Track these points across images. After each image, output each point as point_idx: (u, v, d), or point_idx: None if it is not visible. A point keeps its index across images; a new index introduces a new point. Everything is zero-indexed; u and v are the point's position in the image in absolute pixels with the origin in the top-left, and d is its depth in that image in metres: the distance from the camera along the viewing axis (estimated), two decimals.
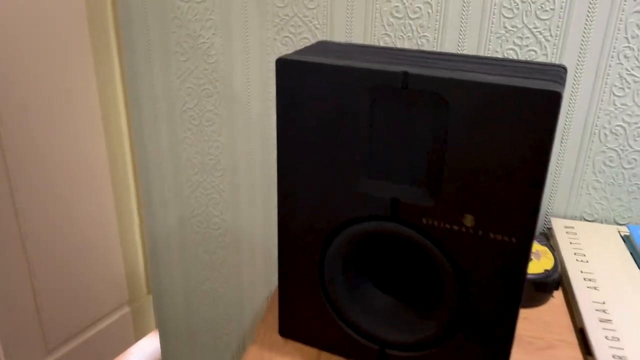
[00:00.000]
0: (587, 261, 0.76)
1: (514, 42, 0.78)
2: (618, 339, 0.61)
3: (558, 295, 0.73)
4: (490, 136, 0.46)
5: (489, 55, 0.81)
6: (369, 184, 0.52)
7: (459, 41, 0.79)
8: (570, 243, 0.80)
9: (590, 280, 0.72)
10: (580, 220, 0.87)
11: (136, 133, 0.99)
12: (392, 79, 0.48)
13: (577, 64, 0.78)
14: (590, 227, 0.83)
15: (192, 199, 1.00)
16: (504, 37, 0.78)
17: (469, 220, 0.49)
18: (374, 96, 0.49)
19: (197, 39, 0.89)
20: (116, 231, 1.07)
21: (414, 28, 0.80)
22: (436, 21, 0.79)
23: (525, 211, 0.47)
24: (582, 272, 0.74)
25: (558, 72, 0.49)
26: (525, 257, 0.49)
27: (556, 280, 0.69)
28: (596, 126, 0.81)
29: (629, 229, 0.81)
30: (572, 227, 0.83)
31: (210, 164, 0.97)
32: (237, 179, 0.97)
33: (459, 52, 0.57)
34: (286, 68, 0.51)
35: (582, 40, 0.77)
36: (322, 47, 0.57)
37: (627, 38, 0.76)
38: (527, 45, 0.78)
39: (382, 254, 0.58)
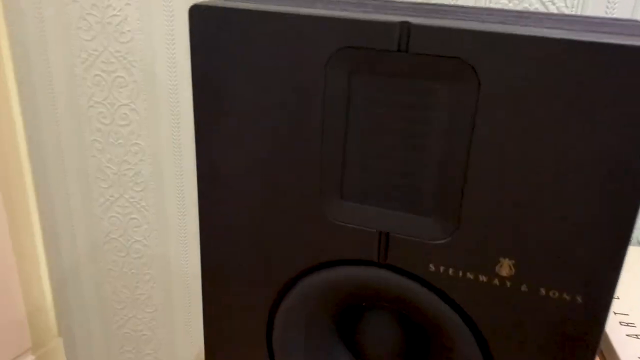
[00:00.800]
0: (618, 297, 0.59)
1: None
2: None
3: None
4: (548, 129, 0.27)
5: None
6: (343, 210, 0.33)
7: None
8: None
9: (628, 325, 0.54)
10: None
11: (31, 135, 0.76)
12: (382, 36, 0.28)
13: None
14: None
15: (105, 219, 0.79)
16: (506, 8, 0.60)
17: (505, 268, 0.30)
18: (352, 66, 0.30)
19: (106, 10, 0.68)
20: (12, 259, 0.85)
21: None
22: None
23: (600, 252, 0.28)
24: (615, 313, 0.56)
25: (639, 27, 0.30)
26: (598, 327, 0.30)
27: None
28: None
29: None
30: None
31: (128, 175, 0.75)
32: (164, 194, 0.75)
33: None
34: (206, 21, 0.31)
35: (606, 13, 0.60)
36: None
37: None
38: None
39: (366, 312, 0.39)
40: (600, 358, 0.54)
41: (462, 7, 0.35)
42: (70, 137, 0.75)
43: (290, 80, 0.31)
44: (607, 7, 0.61)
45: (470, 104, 0.28)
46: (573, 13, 0.59)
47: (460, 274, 0.32)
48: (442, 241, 0.31)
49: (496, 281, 0.31)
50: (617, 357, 0.51)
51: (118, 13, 0.67)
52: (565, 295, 0.30)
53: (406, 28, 0.28)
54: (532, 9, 0.61)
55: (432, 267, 0.32)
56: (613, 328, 0.55)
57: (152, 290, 0.83)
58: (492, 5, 0.62)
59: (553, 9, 0.60)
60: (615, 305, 0.58)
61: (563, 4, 0.60)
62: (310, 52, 0.30)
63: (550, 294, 0.30)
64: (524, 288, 0.31)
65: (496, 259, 0.30)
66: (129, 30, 0.68)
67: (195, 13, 0.31)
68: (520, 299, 0.31)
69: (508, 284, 0.31)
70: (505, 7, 0.62)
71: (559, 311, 0.30)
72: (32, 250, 0.89)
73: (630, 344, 0.52)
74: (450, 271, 0.32)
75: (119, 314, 0.86)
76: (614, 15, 0.60)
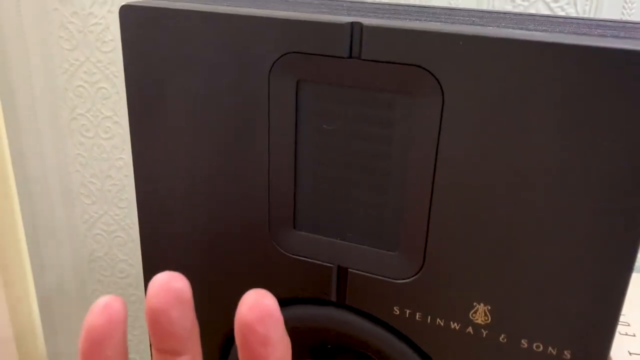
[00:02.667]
0: (634, 335, 0.53)
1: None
2: None
3: None
4: (529, 151, 0.22)
5: None
6: (294, 241, 0.28)
7: None
8: None
9: None
10: None
11: (13, 148, 0.74)
12: (331, 40, 0.24)
13: None
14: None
15: (89, 237, 0.75)
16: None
17: (480, 315, 0.26)
18: (300, 75, 0.25)
19: (87, 18, 0.65)
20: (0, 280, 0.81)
21: None
22: None
23: (593, 300, 0.24)
24: (630, 353, 0.50)
25: None
26: None
27: None
28: None
29: None
30: None
31: (112, 190, 0.72)
32: None
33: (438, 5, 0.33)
34: (138, 22, 0.27)
35: (623, 15, 0.54)
36: None
37: None
38: None
39: (334, 355, 0.34)
40: None
41: (435, 8, 0.31)
42: (52, 152, 0.72)
43: (233, 91, 0.27)
44: (624, 9, 0.55)
45: (433, 121, 0.23)
46: (568, 15, 0.54)
47: (429, 319, 0.27)
48: (407, 280, 0.27)
49: (470, 329, 0.26)
50: None
51: (100, 21, 0.64)
52: (550, 350, 0.25)
53: (358, 30, 0.24)
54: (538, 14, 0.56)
55: (396, 310, 0.27)
56: None
57: (139, 312, 0.79)
58: (489, 8, 0.58)
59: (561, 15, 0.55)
60: (631, 344, 0.52)
61: (573, 11, 0.55)
62: (253, 59, 0.26)
63: (534, 347, 0.25)
64: (502, 339, 0.26)
65: (470, 303, 0.26)
66: (111, 40, 0.65)
67: (125, 14, 0.27)
68: (498, 351, 0.26)
69: (484, 333, 0.26)
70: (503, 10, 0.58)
71: None
72: (19, 266, 0.86)
73: None
74: (417, 315, 0.27)
75: None
76: (628, 18, 0.55)
